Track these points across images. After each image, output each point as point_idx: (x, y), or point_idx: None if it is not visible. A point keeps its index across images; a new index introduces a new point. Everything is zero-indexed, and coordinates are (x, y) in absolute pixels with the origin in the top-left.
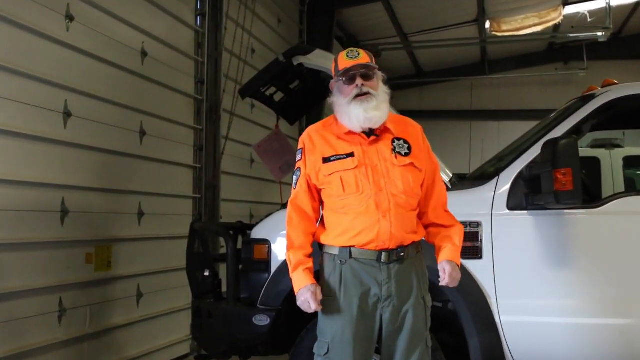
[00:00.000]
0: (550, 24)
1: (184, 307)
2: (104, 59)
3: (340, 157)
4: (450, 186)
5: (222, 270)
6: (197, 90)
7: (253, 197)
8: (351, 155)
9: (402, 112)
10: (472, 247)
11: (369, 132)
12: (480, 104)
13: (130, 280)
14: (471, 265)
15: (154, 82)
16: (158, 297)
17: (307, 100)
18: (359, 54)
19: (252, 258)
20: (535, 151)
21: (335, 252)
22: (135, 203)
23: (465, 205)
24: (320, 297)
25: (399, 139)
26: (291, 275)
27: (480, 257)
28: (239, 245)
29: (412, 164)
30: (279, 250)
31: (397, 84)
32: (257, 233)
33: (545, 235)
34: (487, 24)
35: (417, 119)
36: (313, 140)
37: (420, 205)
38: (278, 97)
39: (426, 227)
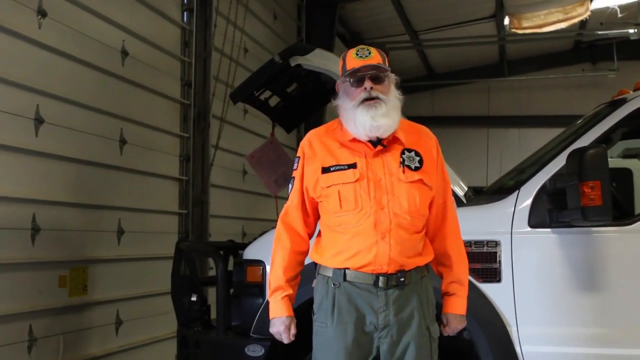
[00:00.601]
0: (577, 20)
1: (168, 336)
2: (80, 59)
3: (341, 167)
4: (465, 201)
5: (211, 294)
6: (184, 94)
7: (246, 213)
8: (353, 166)
9: (411, 119)
10: (489, 269)
11: (376, 141)
12: (498, 109)
13: (109, 306)
14: (489, 289)
15: (136, 84)
16: (139, 325)
17: (306, 106)
18: (370, 53)
19: (244, 281)
20: (559, 162)
21: (329, 273)
22: (114, 220)
23: (482, 222)
24: (294, 331)
25: (409, 150)
26: (268, 298)
27: (499, 280)
28: (230, 267)
29: (421, 180)
30: None
31: (406, 87)
32: (250, 253)
33: (571, 255)
34: (506, 20)
35: (427, 125)
36: (314, 146)
37: (428, 228)
38: (274, 101)
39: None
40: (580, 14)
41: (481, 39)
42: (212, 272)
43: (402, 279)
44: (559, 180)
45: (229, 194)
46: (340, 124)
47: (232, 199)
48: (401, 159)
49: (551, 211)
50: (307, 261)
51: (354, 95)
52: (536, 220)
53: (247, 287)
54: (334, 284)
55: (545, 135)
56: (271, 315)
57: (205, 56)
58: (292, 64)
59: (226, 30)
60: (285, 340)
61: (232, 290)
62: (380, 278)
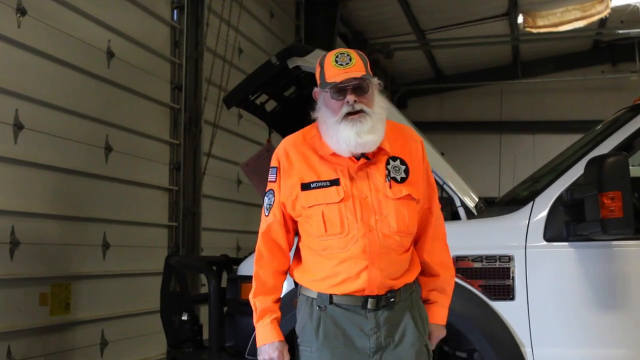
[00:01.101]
0: (596, 18)
1: (157, 358)
2: (63, 60)
3: (323, 184)
4: (475, 213)
5: (203, 313)
6: (174, 97)
7: (240, 225)
8: (335, 182)
9: (419, 124)
10: (502, 286)
11: (359, 155)
12: (511, 113)
13: (93, 325)
14: (501, 307)
15: (123, 88)
16: (126, 346)
17: (304, 111)
18: (350, 60)
19: (239, 299)
20: (577, 171)
21: (313, 295)
22: (99, 233)
23: (494, 235)
24: (287, 357)
25: (394, 159)
26: (255, 324)
27: (512, 298)
28: (224, 284)
29: (409, 195)
30: None
31: (413, 90)
32: (245, 269)
33: (589, 271)
34: (520, 19)
35: (436, 131)
36: (290, 157)
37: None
38: (270, 106)
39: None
40: (599, 11)
41: (493, 38)
42: (204, 289)
43: (392, 299)
44: (576, 191)
45: (223, 205)
46: (319, 131)
47: (226, 210)
48: (387, 171)
49: (568, 224)
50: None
51: (335, 107)
52: (552, 233)
53: (241, 305)
54: (319, 306)
55: (561, 142)
56: (260, 342)
57: (197, 57)
58: (290, 66)
59: (219, 29)
60: None
61: (225, 309)
62: (370, 300)
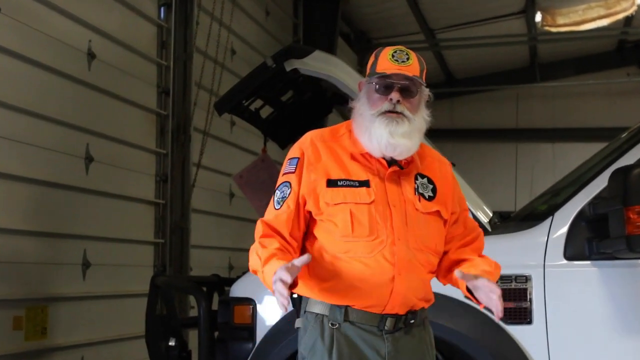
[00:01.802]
0: (621, 16)
1: None
2: (38, 61)
3: (352, 183)
4: (489, 229)
5: (192, 338)
6: (161, 103)
7: (233, 242)
8: (366, 184)
9: (428, 132)
10: (519, 309)
11: (391, 161)
12: (529, 120)
13: (72, 351)
14: (518, 331)
15: (105, 92)
16: None
17: (303, 117)
18: (408, 59)
19: (231, 323)
20: (600, 183)
21: (324, 310)
22: (78, 250)
23: (510, 253)
24: (297, 267)
25: (422, 176)
26: (262, 267)
27: (530, 322)
28: (214, 306)
29: (438, 212)
30: (267, 313)
31: None
32: (238, 290)
33: (614, 292)
34: (538, 17)
35: (446, 139)
36: (319, 150)
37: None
38: (266, 112)
39: (441, 269)
40: (624, 9)
41: (509, 38)
42: (193, 312)
43: (412, 321)
44: (600, 205)
45: (214, 220)
46: (348, 130)
47: (217, 226)
48: (415, 185)
49: (591, 241)
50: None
51: (376, 102)
52: (573, 251)
53: (234, 329)
54: (332, 323)
55: (583, 151)
56: (269, 276)
57: (186, 59)
58: (288, 69)
59: (210, 28)
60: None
61: (216, 334)
62: (388, 319)
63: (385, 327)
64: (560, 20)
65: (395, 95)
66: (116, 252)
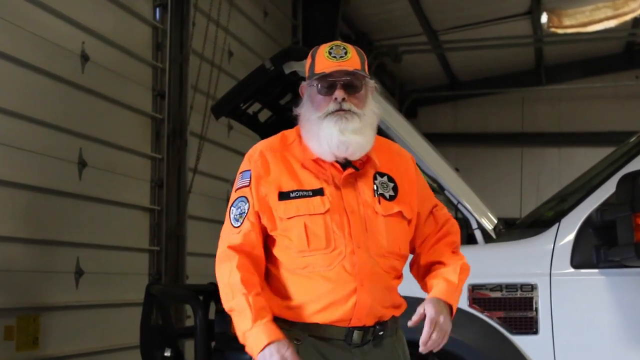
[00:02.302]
0: (629, 17)
1: None
2: (30, 64)
3: (305, 193)
4: (494, 236)
5: (189, 348)
6: (156, 106)
7: None
8: (319, 192)
9: (431, 136)
10: (524, 318)
11: (345, 163)
12: (534, 124)
13: None
14: (523, 342)
15: (98, 95)
16: None
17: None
18: (346, 53)
19: (228, 333)
20: (608, 189)
21: (286, 325)
22: (71, 258)
23: (515, 261)
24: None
25: (381, 175)
26: (251, 325)
27: (536, 332)
28: (211, 316)
29: (400, 213)
30: None
31: (424, 98)
32: None
33: (622, 302)
34: (544, 18)
35: (449, 144)
36: (268, 162)
37: (413, 241)
38: (264, 116)
39: (419, 273)
40: (633, 9)
41: (514, 40)
42: (189, 322)
43: (381, 333)
44: (607, 211)
45: (210, 227)
46: (299, 136)
47: (214, 233)
48: (374, 186)
49: (598, 248)
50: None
51: (320, 104)
52: (580, 259)
53: (231, 339)
54: (296, 339)
55: (590, 156)
56: (261, 343)
57: (182, 61)
58: (287, 71)
59: (207, 29)
60: None
61: (213, 344)
62: (355, 332)
63: (353, 341)
64: (567, 21)
65: (339, 94)
66: (110, 260)
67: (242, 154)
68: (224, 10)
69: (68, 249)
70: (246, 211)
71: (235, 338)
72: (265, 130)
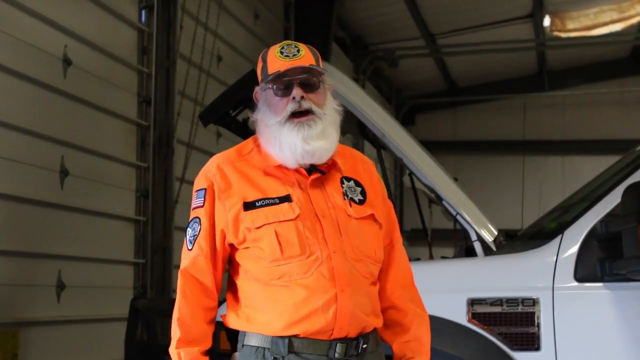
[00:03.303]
0: (635, 20)
1: None
2: (10, 68)
3: (271, 201)
4: (494, 248)
5: None
6: (141, 113)
7: None
8: (287, 199)
9: (429, 144)
10: (525, 334)
11: (310, 168)
12: (536, 131)
13: None
14: (525, 358)
15: (81, 101)
16: None
17: None
18: (298, 51)
19: (217, 349)
20: (613, 199)
21: (265, 344)
22: (53, 271)
23: (516, 275)
24: None
25: (348, 179)
26: (175, 350)
27: (538, 348)
28: None
29: (372, 215)
30: None
31: (422, 105)
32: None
33: (628, 317)
34: (547, 21)
35: (448, 152)
36: (227, 175)
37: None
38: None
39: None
40: (639, 12)
41: (515, 44)
42: None
43: (365, 346)
44: (612, 223)
45: None
46: (257, 145)
47: None
48: (343, 189)
49: (603, 261)
50: None
51: (278, 107)
52: (584, 272)
53: (220, 356)
54: (274, 358)
55: (595, 165)
56: None
57: (169, 66)
58: None
59: (195, 33)
60: None
61: None
62: (338, 345)
63: (336, 355)
64: (571, 24)
65: (297, 92)
66: (93, 273)
67: None
68: (213, 12)
69: (49, 262)
70: (197, 234)
71: (224, 354)
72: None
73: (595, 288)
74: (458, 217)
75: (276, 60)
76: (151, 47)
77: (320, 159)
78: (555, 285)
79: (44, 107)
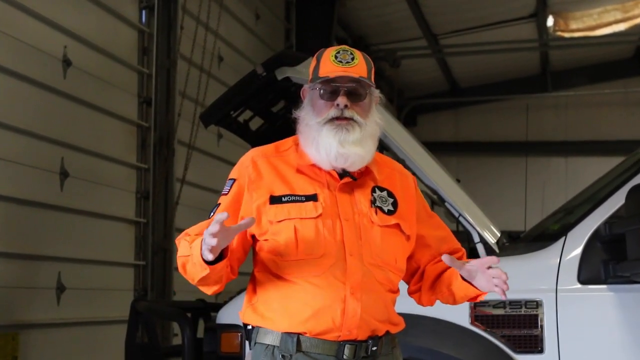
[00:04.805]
0: (639, 20)
1: None
2: (9, 69)
3: (297, 198)
4: (497, 250)
5: None
6: (142, 114)
7: None
8: (313, 198)
9: (431, 145)
10: (529, 337)
11: (343, 173)
12: (539, 132)
13: None
14: None
15: (81, 102)
16: None
17: (295, 129)
18: (353, 59)
19: (218, 352)
20: (617, 201)
21: (275, 341)
22: (52, 273)
23: (519, 277)
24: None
25: (381, 189)
26: (189, 254)
27: (541, 351)
28: (200, 334)
29: (397, 225)
30: None
31: (424, 105)
32: (225, 316)
33: (632, 319)
34: (550, 21)
35: (450, 153)
36: (259, 168)
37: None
38: (255, 124)
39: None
40: None
41: (518, 44)
42: (177, 340)
43: (375, 348)
44: (616, 224)
45: None
46: (295, 144)
47: None
48: (372, 198)
49: (606, 263)
50: None
51: (321, 110)
52: (588, 274)
53: (221, 359)
54: (282, 355)
55: (598, 166)
56: (197, 252)
57: (169, 66)
58: (279, 77)
59: (195, 33)
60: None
61: None
62: (347, 347)
63: (345, 357)
64: (574, 24)
65: (342, 100)
66: (93, 275)
67: (233, 164)
68: (214, 12)
69: (49, 264)
70: (213, 213)
71: (224, 357)
72: (256, 139)
73: (599, 290)
74: (460, 218)
75: (329, 63)
76: (151, 47)
77: (354, 165)
78: (558, 288)
79: (44, 108)
